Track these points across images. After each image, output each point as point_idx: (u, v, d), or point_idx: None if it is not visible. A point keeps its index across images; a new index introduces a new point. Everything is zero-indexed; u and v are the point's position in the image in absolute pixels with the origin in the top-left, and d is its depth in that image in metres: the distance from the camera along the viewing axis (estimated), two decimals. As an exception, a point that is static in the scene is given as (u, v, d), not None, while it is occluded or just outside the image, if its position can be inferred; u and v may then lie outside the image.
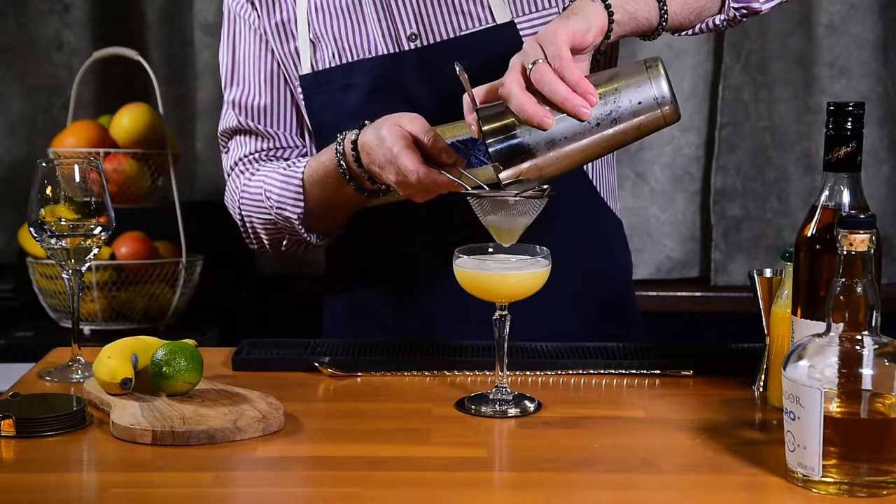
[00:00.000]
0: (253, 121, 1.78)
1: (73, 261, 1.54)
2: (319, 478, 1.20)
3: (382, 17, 1.68)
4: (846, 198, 1.26)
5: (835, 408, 1.12)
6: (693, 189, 2.77)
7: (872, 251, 1.13)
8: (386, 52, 1.68)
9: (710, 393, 1.48)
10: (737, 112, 2.72)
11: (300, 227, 1.71)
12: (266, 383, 1.48)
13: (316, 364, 1.56)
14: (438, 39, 1.67)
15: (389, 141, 1.49)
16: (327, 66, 1.71)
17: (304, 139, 1.80)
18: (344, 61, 1.70)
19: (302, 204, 1.69)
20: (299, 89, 1.73)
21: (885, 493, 1.12)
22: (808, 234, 1.28)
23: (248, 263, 2.72)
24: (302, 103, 1.74)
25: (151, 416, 1.31)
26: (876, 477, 1.12)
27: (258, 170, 1.77)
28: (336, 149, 1.60)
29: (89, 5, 2.70)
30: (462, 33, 1.66)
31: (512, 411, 1.39)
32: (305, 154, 1.80)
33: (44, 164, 1.53)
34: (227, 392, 1.41)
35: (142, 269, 2.39)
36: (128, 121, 2.42)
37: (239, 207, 1.78)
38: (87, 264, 1.56)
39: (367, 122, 1.59)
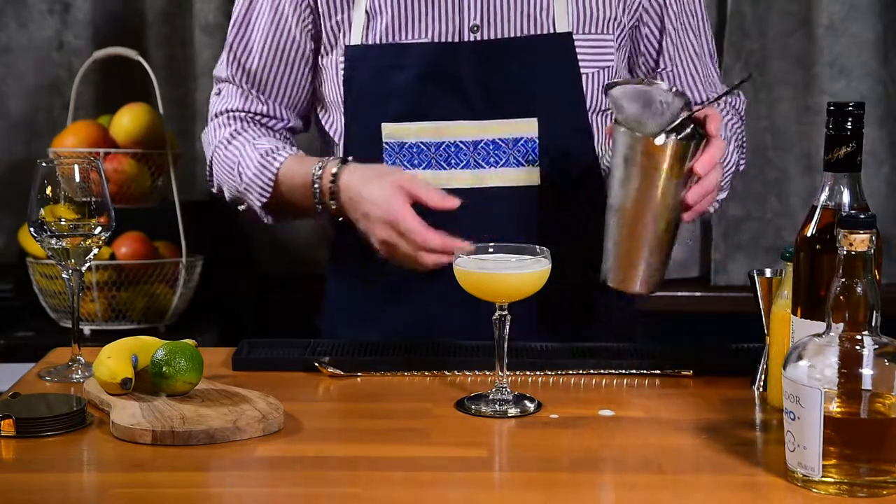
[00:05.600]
0: (247, 84, 1.80)
1: (73, 261, 1.54)
2: (319, 478, 1.20)
3: (450, 3, 1.69)
4: (846, 198, 1.26)
5: (835, 408, 1.12)
6: (693, 189, 2.76)
7: (872, 251, 1.13)
8: (446, 40, 1.69)
9: (710, 393, 1.48)
10: (737, 112, 2.71)
11: (260, 209, 1.77)
12: (266, 383, 1.48)
13: (316, 364, 1.56)
14: (499, 36, 1.69)
15: (387, 204, 1.57)
16: (379, 41, 1.71)
17: (295, 113, 1.82)
18: (399, 40, 1.70)
19: (269, 195, 1.74)
20: (341, 59, 1.73)
21: (885, 493, 1.12)
22: (808, 234, 1.28)
23: (248, 263, 2.72)
24: (340, 74, 1.73)
25: (151, 416, 1.31)
26: (876, 477, 1.12)
27: (241, 132, 1.79)
28: (314, 172, 1.66)
29: (89, 5, 2.70)
30: (522, 34, 1.69)
31: (512, 411, 1.39)
32: (292, 129, 1.84)
33: (44, 164, 1.53)
34: (227, 392, 1.41)
35: (142, 269, 2.39)
36: (128, 121, 2.42)
37: (211, 159, 1.83)
38: (87, 264, 1.56)
39: (350, 157, 1.67)
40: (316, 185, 1.67)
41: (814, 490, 1.14)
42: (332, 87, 1.76)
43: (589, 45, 1.72)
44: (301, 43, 1.76)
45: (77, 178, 1.53)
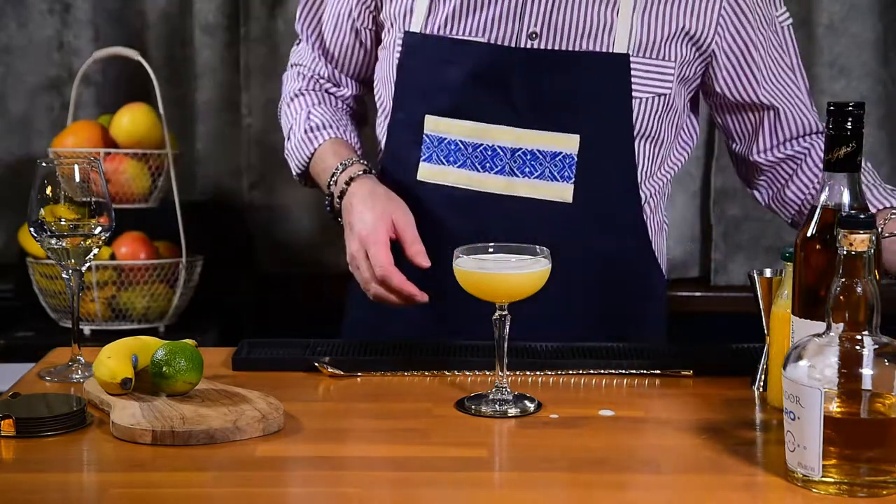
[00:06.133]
0: (317, 45, 1.88)
1: (73, 261, 1.54)
2: (319, 478, 1.20)
3: (511, 7, 1.69)
4: (846, 198, 1.26)
5: (835, 408, 1.12)
6: (693, 189, 2.76)
7: (872, 251, 1.13)
8: (502, 43, 1.69)
9: (710, 393, 1.48)
10: (737, 112, 2.71)
11: (296, 176, 1.86)
12: (266, 383, 1.48)
13: (316, 364, 1.56)
14: (556, 48, 1.68)
15: (372, 226, 1.62)
16: (437, 31, 1.71)
17: (357, 80, 1.90)
18: (456, 34, 1.71)
19: (302, 169, 1.83)
20: (399, 43, 1.74)
21: (885, 493, 1.12)
22: (808, 234, 1.28)
23: (248, 263, 2.72)
24: (396, 57, 1.75)
25: (151, 416, 1.31)
26: (876, 477, 1.12)
27: (303, 93, 1.88)
28: (337, 167, 1.73)
29: (89, 5, 2.70)
30: (578, 50, 1.67)
31: (512, 411, 1.39)
32: (354, 96, 1.92)
33: (44, 164, 1.52)
34: (227, 392, 1.41)
35: (142, 269, 2.39)
36: (128, 121, 2.42)
37: (280, 106, 1.94)
38: (87, 264, 1.56)
39: (372, 169, 1.74)
40: (333, 179, 1.73)
41: (814, 490, 1.14)
42: (387, 67, 1.78)
43: (646, 69, 1.68)
44: (360, 23, 1.82)
45: (77, 178, 1.52)
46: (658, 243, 1.82)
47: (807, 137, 1.78)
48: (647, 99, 1.69)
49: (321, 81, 1.90)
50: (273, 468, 1.22)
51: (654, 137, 1.72)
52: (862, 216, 1.13)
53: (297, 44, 1.94)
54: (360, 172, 1.71)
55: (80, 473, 1.23)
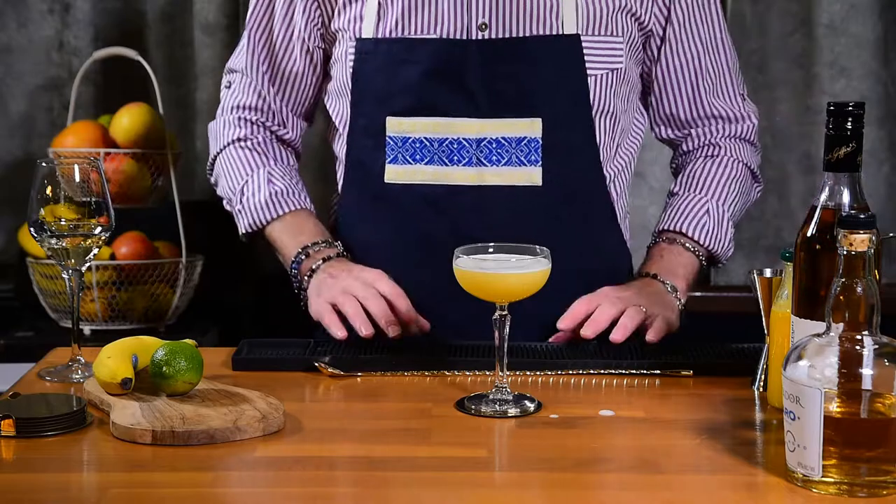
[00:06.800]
0: (266, 76, 1.83)
1: (73, 261, 1.54)
2: (319, 478, 1.20)
3: (459, 1, 1.70)
4: (846, 198, 1.26)
5: (835, 408, 1.12)
6: (693, 189, 2.76)
7: (872, 251, 1.13)
8: (453, 37, 1.70)
9: (710, 393, 1.48)
10: (737, 112, 2.71)
11: (242, 234, 1.84)
12: (266, 383, 1.48)
13: (316, 364, 1.56)
14: (506, 36, 1.70)
15: (376, 273, 1.65)
16: (389, 34, 1.72)
17: (300, 117, 1.87)
18: (408, 34, 1.71)
19: (256, 230, 1.81)
20: (351, 50, 1.74)
21: (885, 493, 1.12)
22: (808, 234, 1.28)
23: (248, 263, 2.71)
24: (349, 65, 1.75)
25: (151, 416, 1.31)
26: (876, 477, 1.12)
27: (254, 147, 1.83)
28: (306, 245, 1.74)
29: (89, 5, 2.70)
30: (529, 35, 1.70)
31: (512, 411, 1.39)
32: (298, 147, 1.89)
33: (44, 164, 1.52)
34: (227, 392, 1.41)
35: (142, 269, 2.39)
36: (128, 121, 2.42)
37: (217, 156, 1.86)
38: (87, 264, 1.56)
39: (345, 252, 1.75)
40: (305, 251, 1.74)
41: (814, 490, 1.14)
42: (341, 79, 1.78)
43: (597, 46, 1.72)
44: (312, 43, 1.79)
45: (77, 178, 1.52)
46: (624, 228, 1.85)
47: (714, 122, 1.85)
48: (602, 75, 1.73)
49: (267, 124, 1.85)
50: (273, 468, 1.22)
51: (611, 113, 1.76)
52: (862, 216, 1.13)
53: (227, 87, 1.88)
54: (335, 255, 1.73)
55: (80, 473, 1.23)
